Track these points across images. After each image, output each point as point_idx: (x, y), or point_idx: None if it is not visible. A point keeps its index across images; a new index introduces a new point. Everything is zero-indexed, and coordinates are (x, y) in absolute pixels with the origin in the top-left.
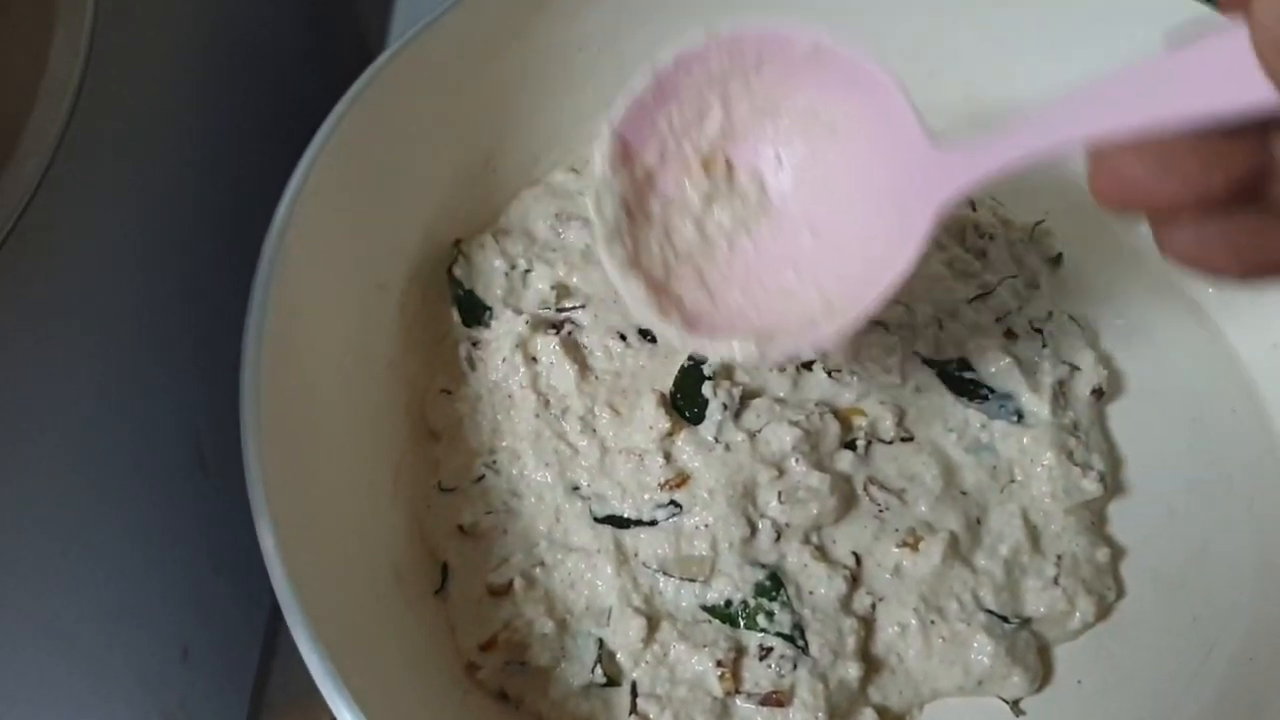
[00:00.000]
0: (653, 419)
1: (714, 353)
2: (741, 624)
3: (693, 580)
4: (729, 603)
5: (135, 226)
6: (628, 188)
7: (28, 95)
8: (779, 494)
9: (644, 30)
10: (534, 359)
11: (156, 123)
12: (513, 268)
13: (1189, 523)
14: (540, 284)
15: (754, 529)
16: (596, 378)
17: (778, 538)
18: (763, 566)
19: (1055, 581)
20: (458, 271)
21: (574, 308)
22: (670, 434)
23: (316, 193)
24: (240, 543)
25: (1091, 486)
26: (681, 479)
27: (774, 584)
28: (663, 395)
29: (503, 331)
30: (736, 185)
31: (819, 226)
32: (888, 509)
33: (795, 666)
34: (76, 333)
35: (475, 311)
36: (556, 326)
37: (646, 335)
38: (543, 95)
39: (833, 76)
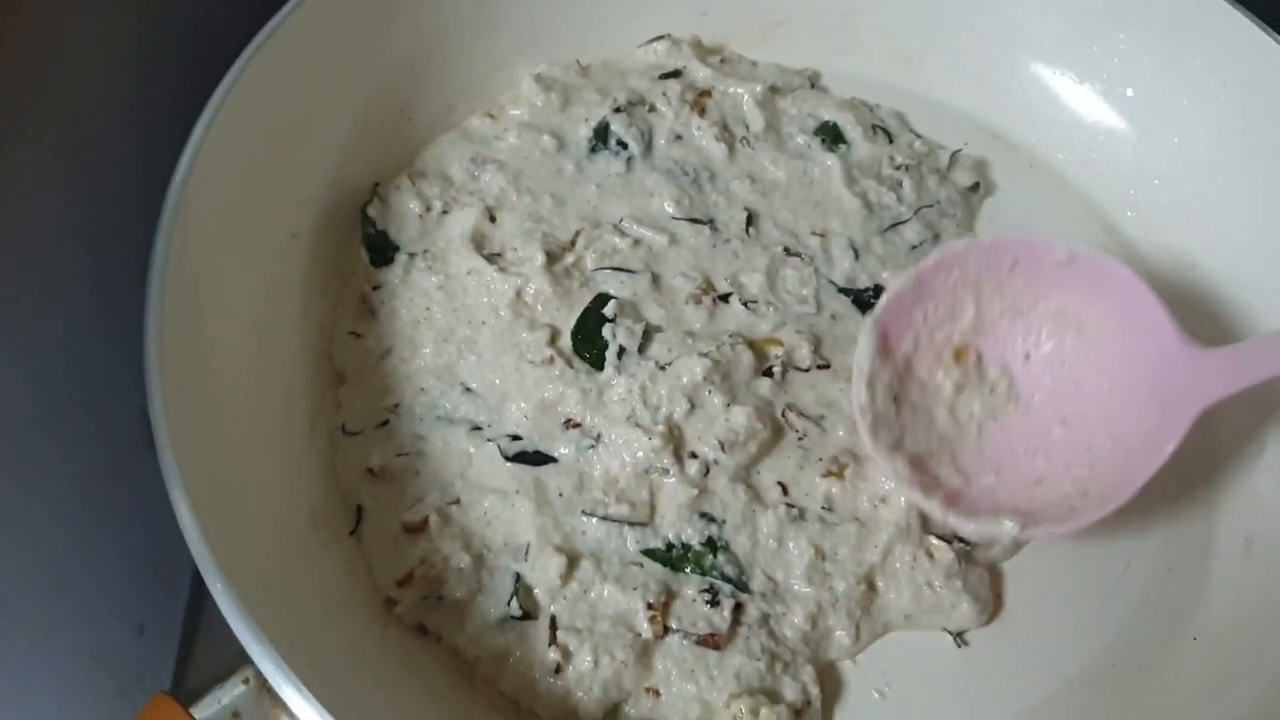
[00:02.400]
0: (546, 355)
1: (978, 532)
2: (686, 569)
3: (633, 524)
4: (670, 546)
5: (74, 187)
6: (891, 376)
7: None
8: (712, 433)
9: None
10: (435, 292)
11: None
12: (428, 209)
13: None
14: (459, 226)
15: (681, 466)
16: (499, 315)
17: (706, 472)
18: (706, 516)
19: None
20: (371, 211)
21: (491, 255)
22: (565, 371)
23: (219, 146)
24: None
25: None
26: (584, 418)
27: (716, 527)
28: (553, 332)
29: (411, 267)
30: (986, 376)
31: (1068, 418)
32: (807, 436)
33: (739, 608)
34: (15, 308)
35: (384, 251)
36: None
37: (556, 279)
38: (454, 43)
39: (1085, 281)
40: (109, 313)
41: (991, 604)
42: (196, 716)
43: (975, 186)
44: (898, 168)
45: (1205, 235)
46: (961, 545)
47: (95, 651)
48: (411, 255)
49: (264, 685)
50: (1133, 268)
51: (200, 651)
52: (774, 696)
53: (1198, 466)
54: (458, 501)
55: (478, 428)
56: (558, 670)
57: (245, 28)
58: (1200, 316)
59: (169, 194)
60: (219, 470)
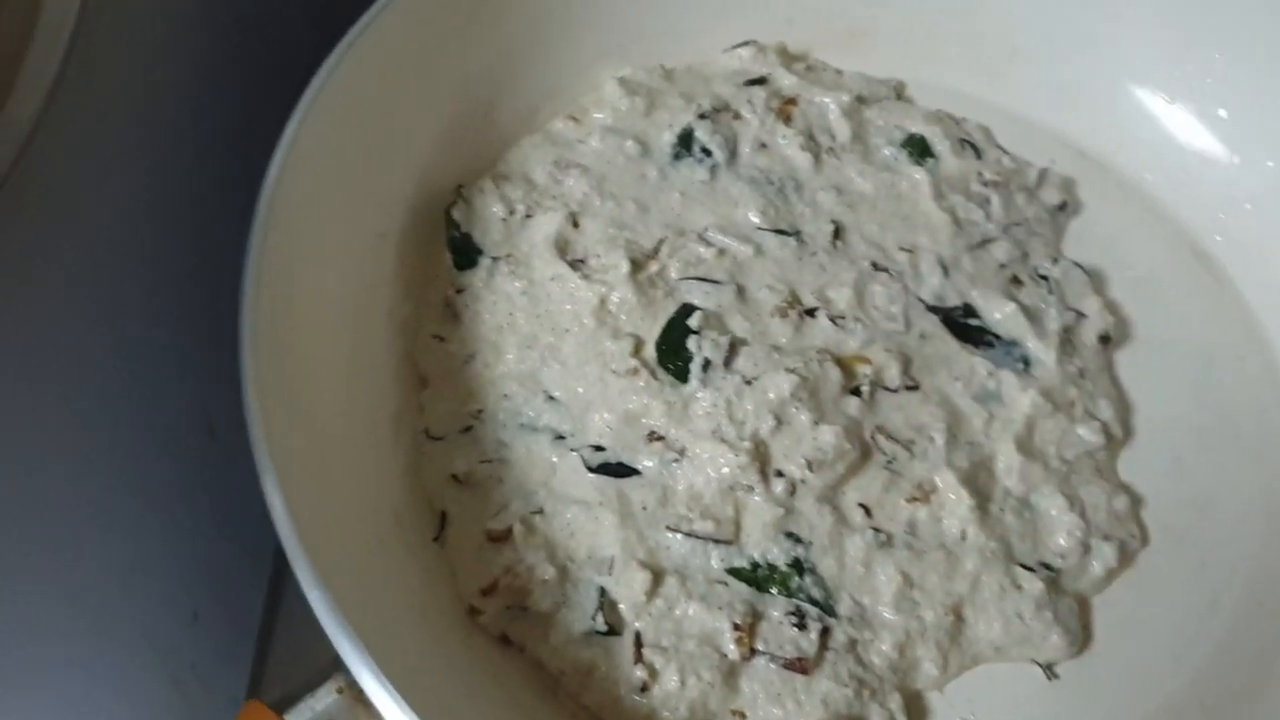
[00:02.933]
0: (630, 365)
1: None
2: (771, 590)
3: (718, 541)
4: (755, 566)
5: (138, 181)
6: None
7: (22, 36)
8: (799, 451)
9: None
10: (519, 297)
11: (157, 71)
12: (511, 213)
13: (1196, 471)
14: (542, 230)
15: (767, 484)
16: (582, 323)
17: (792, 492)
18: (792, 536)
19: (1073, 528)
20: (455, 214)
21: (574, 261)
22: (650, 383)
23: (311, 145)
24: (247, 507)
25: (1094, 438)
26: (668, 432)
27: (803, 548)
28: (637, 342)
29: (495, 271)
30: None
31: None
32: (895, 460)
33: (826, 632)
34: (83, 289)
35: (468, 254)
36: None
37: (640, 288)
38: (539, 46)
39: None
40: (169, 304)
41: (1081, 636)
42: None
43: (1063, 205)
44: (986, 184)
45: None
46: (1049, 574)
47: (151, 640)
48: (495, 259)
49: (358, 695)
50: None
51: (278, 652)
52: None
53: None
54: (541, 511)
55: (561, 437)
56: (644, 689)
57: (335, 29)
58: None
59: (262, 191)
60: (310, 470)
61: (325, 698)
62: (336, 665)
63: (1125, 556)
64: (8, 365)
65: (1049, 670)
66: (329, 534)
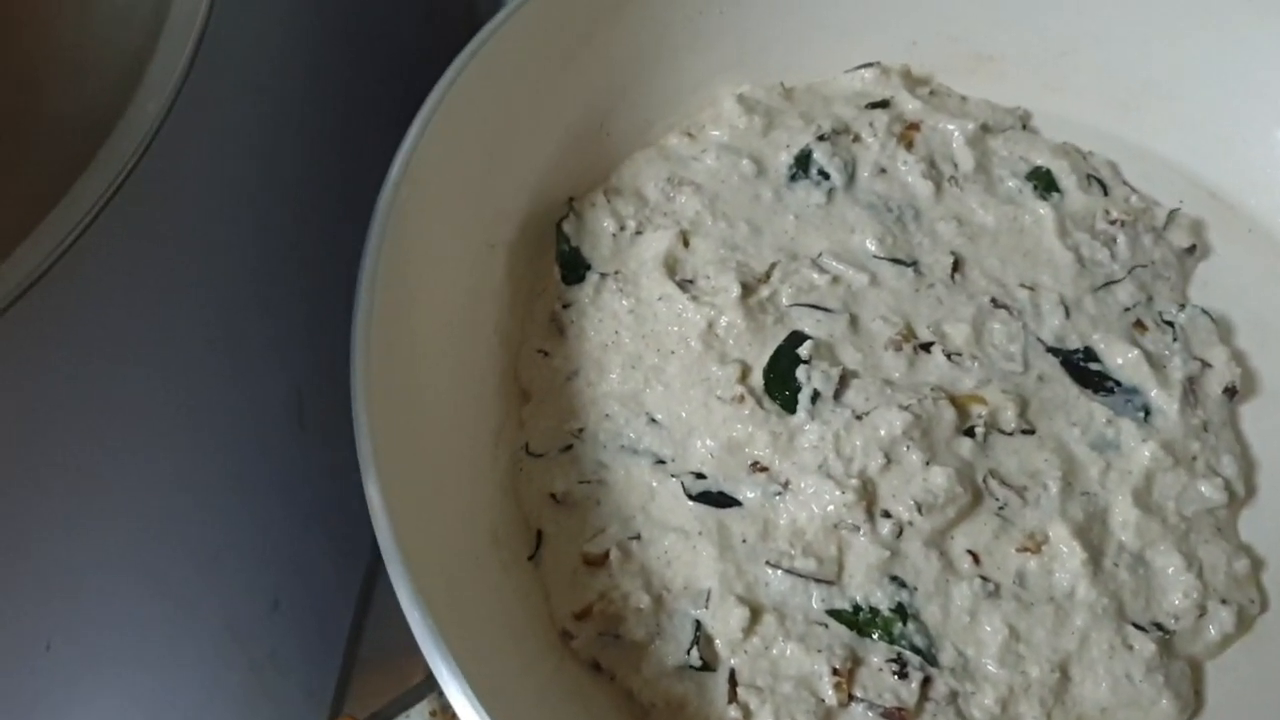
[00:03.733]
0: (737, 392)
1: None
2: (873, 635)
3: (820, 581)
4: (857, 609)
5: (250, 178)
6: None
7: (151, 37)
8: (908, 492)
9: (758, 2)
10: (625, 316)
11: (275, 75)
12: (621, 228)
13: None
14: (651, 248)
15: (873, 524)
16: (689, 346)
17: (899, 534)
18: (896, 580)
19: (1190, 589)
20: (566, 227)
21: (683, 281)
22: (756, 411)
23: (430, 152)
24: (336, 498)
25: (1216, 495)
26: (772, 463)
27: (907, 593)
28: (744, 368)
29: (602, 288)
30: None
31: None
32: (1007, 506)
33: (927, 682)
34: (189, 278)
35: (576, 269)
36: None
37: (750, 312)
38: (659, 59)
39: None
40: (269, 298)
41: (1193, 702)
42: None
43: (1191, 249)
44: (1112, 222)
45: None
46: (1161, 635)
47: (232, 626)
48: (603, 275)
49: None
50: None
51: (365, 654)
52: None
53: None
54: (638, 537)
55: (661, 461)
56: None
57: (457, 38)
58: None
59: (381, 196)
60: (412, 477)
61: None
62: (430, 686)
63: (1243, 621)
64: (115, 352)
65: None
66: (427, 545)
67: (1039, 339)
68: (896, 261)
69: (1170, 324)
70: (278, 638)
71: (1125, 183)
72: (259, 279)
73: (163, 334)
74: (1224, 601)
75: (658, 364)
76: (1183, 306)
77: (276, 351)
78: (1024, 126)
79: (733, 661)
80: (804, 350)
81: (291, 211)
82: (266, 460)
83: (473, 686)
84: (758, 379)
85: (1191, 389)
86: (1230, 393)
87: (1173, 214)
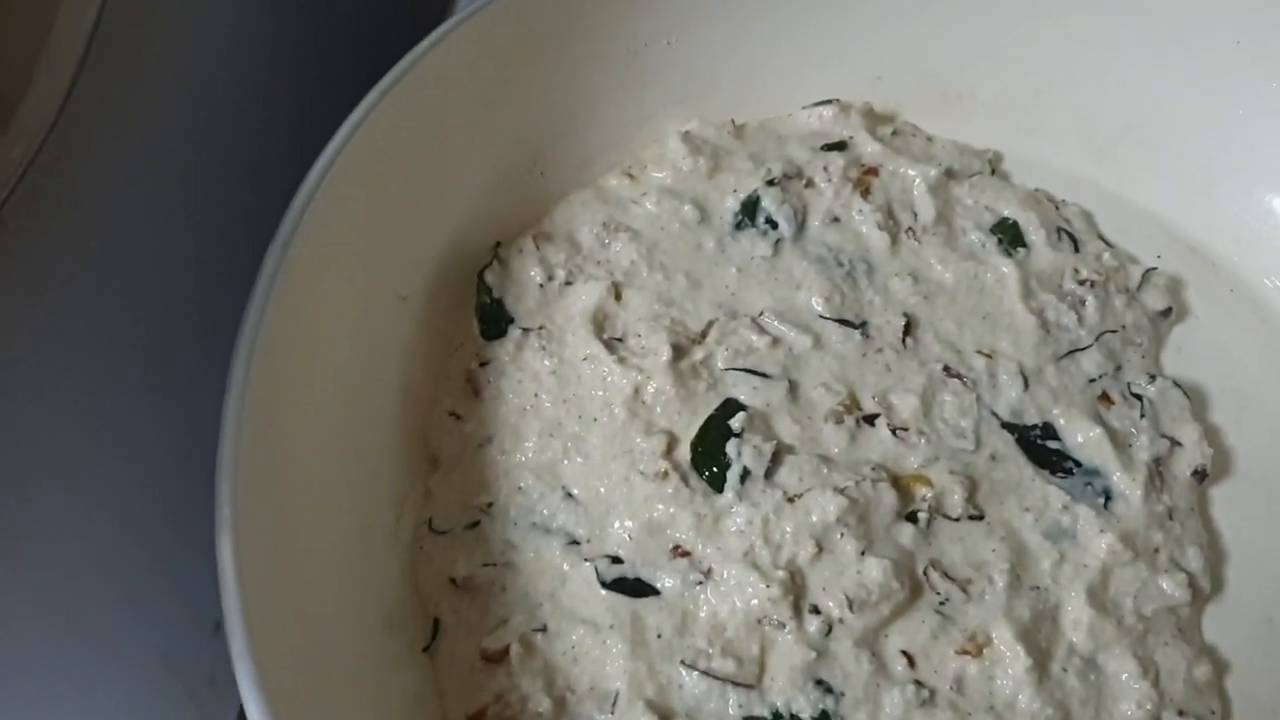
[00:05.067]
0: (661, 468)
1: None
2: None
3: (738, 685)
4: (777, 716)
5: (143, 219)
6: None
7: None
8: (839, 585)
9: (710, 32)
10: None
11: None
12: (550, 278)
13: None
14: (580, 302)
15: (800, 621)
16: (613, 413)
17: (828, 632)
18: (822, 684)
19: (1144, 699)
20: (489, 277)
21: (612, 340)
22: (680, 490)
23: (334, 195)
24: None
25: (1178, 592)
26: (695, 548)
27: (833, 700)
28: (671, 440)
29: (524, 344)
30: None
31: None
32: (949, 601)
33: None
34: (112, 291)
35: (498, 323)
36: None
37: (681, 377)
38: (599, 92)
39: None
40: (188, 323)
41: None
42: None
43: (1167, 311)
44: (1082, 282)
45: None
46: None
47: (167, 655)
48: (525, 331)
49: None
50: None
51: None
52: None
53: None
54: (545, 629)
55: (575, 542)
56: None
57: (377, 67)
58: None
59: (271, 247)
60: (284, 559)
61: None
62: None
63: None
64: (18, 371)
65: None
66: (295, 636)
67: (994, 413)
68: (844, 323)
69: (1139, 397)
70: (217, 662)
71: (1100, 236)
72: (178, 301)
73: (74, 348)
74: (1181, 713)
75: (578, 432)
76: (1154, 378)
77: (200, 376)
78: (994, 170)
79: None
80: (736, 422)
81: (211, 220)
82: (191, 482)
83: None
84: (685, 453)
85: (1158, 471)
86: (1200, 475)
87: (1148, 273)
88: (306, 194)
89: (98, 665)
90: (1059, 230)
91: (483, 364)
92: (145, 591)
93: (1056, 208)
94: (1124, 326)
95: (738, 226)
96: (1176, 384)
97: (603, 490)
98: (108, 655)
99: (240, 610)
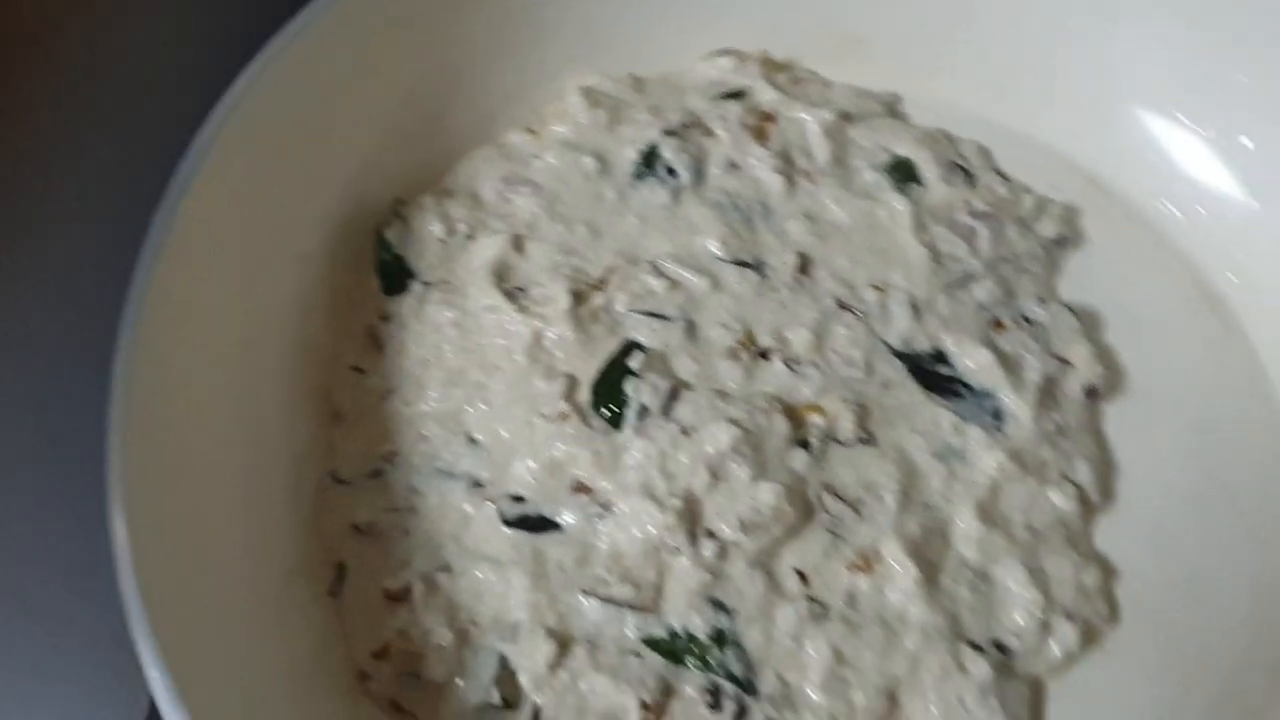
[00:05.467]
0: (561, 409)
1: None
2: (688, 664)
3: (635, 608)
4: (674, 636)
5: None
6: None
7: None
8: (733, 511)
9: None
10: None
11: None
12: (451, 233)
13: (1182, 544)
14: (481, 255)
15: (695, 546)
16: (514, 360)
17: (722, 555)
18: (718, 604)
19: (1033, 605)
20: (389, 234)
21: (514, 289)
22: (580, 429)
23: (228, 155)
24: None
25: (1067, 505)
26: (595, 483)
27: (728, 618)
28: (571, 383)
29: (426, 298)
30: None
31: None
32: (841, 522)
33: (743, 712)
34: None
35: (399, 279)
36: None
37: (581, 323)
38: (500, 47)
39: None
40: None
41: None
42: None
43: (1061, 239)
44: (974, 215)
45: None
46: (1000, 657)
47: (118, 633)
48: (427, 285)
49: None
50: None
51: None
52: None
53: None
54: (447, 568)
55: (479, 484)
56: None
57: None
58: None
59: (159, 209)
60: (181, 513)
61: None
62: None
63: (1090, 637)
64: None
65: None
66: (188, 592)
67: (885, 342)
68: (740, 264)
69: (1030, 321)
70: None
71: (996, 169)
72: (102, 286)
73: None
74: (1069, 616)
75: (481, 380)
76: (1045, 303)
77: None
78: (892, 112)
79: (537, 698)
80: (635, 362)
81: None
82: None
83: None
84: (585, 395)
85: (1049, 391)
86: (1091, 394)
87: (1042, 202)
88: (196, 154)
89: (49, 644)
90: (954, 165)
91: (384, 319)
92: (95, 571)
93: (952, 144)
94: (1017, 255)
95: (637, 176)
96: (1068, 307)
97: (505, 434)
98: (58, 634)
99: (132, 561)
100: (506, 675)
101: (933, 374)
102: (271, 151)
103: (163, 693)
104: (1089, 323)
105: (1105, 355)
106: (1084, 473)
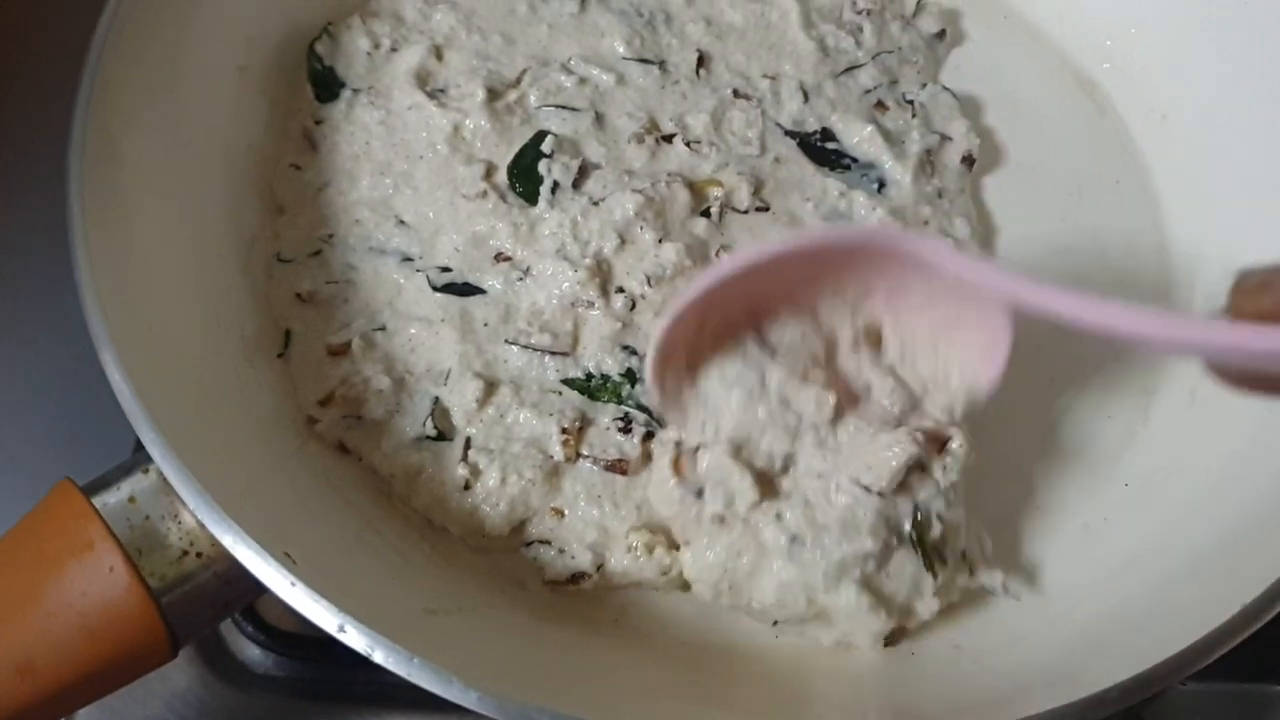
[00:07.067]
0: (481, 189)
1: None
2: (603, 399)
3: (555, 354)
4: (590, 376)
5: None
6: None
7: None
8: (640, 268)
9: None
10: (376, 127)
11: None
12: (376, 47)
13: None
14: (404, 63)
15: (607, 300)
16: (436, 150)
17: (632, 307)
18: (628, 349)
19: None
20: (320, 48)
21: (435, 90)
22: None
23: None
24: None
25: None
26: (515, 252)
27: (637, 360)
28: (490, 167)
29: (355, 103)
30: None
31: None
32: None
33: (650, 436)
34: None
35: (330, 87)
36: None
37: (496, 115)
38: None
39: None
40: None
41: None
42: (96, 503)
43: (941, 34)
44: (859, 12)
45: (1178, 87)
46: None
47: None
48: (356, 91)
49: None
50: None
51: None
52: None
53: None
54: (384, 328)
55: (409, 259)
56: (466, 486)
57: None
58: (1169, 171)
59: (99, 25)
60: (148, 300)
61: (137, 481)
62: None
63: None
64: None
65: None
66: (163, 354)
67: (777, 123)
68: (644, 61)
69: (911, 102)
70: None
71: None
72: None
73: None
74: None
75: (406, 170)
76: (925, 86)
77: None
78: None
79: (468, 430)
80: (547, 145)
81: None
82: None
83: (175, 449)
84: (503, 177)
85: (928, 160)
86: (969, 162)
87: (923, 2)
88: None
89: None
90: None
91: (318, 122)
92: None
93: None
94: (900, 48)
95: None
96: (947, 89)
97: (431, 215)
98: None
99: (113, 347)
100: (440, 411)
101: (821, 149)
102: None
103: (131, 404)
104: (968, 105)
105: (985, 133)
106: (962, 228)
